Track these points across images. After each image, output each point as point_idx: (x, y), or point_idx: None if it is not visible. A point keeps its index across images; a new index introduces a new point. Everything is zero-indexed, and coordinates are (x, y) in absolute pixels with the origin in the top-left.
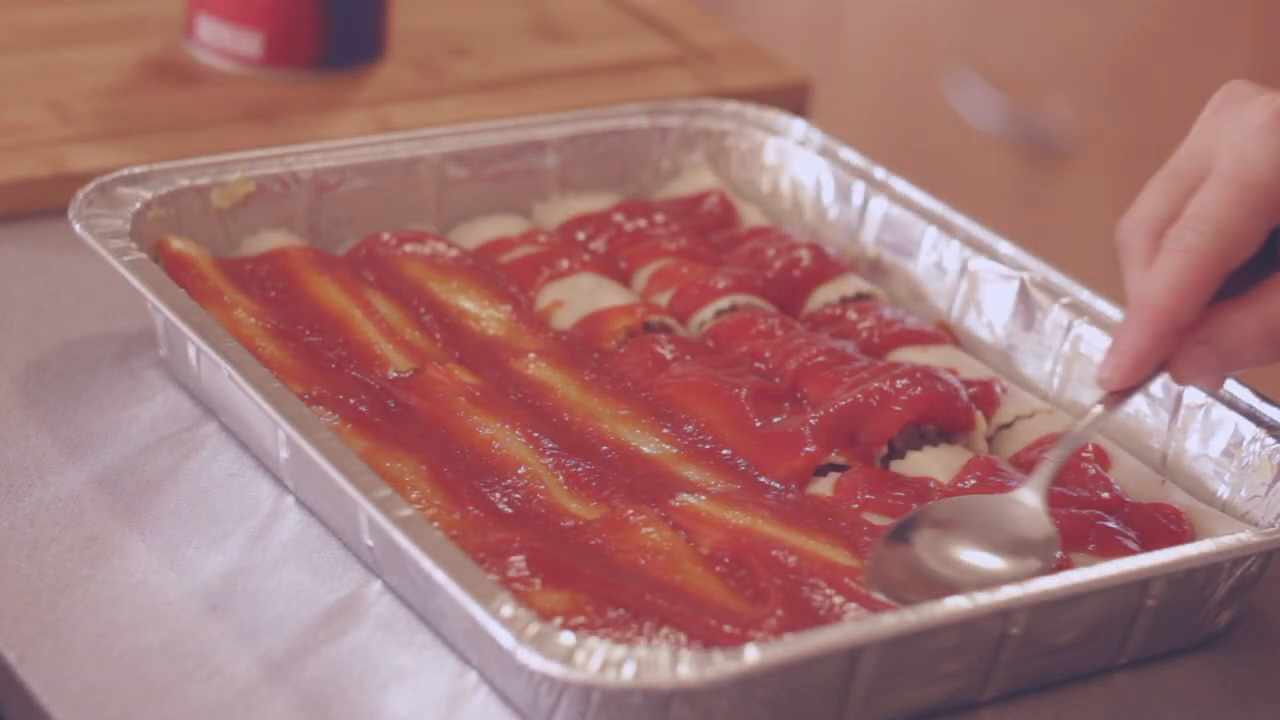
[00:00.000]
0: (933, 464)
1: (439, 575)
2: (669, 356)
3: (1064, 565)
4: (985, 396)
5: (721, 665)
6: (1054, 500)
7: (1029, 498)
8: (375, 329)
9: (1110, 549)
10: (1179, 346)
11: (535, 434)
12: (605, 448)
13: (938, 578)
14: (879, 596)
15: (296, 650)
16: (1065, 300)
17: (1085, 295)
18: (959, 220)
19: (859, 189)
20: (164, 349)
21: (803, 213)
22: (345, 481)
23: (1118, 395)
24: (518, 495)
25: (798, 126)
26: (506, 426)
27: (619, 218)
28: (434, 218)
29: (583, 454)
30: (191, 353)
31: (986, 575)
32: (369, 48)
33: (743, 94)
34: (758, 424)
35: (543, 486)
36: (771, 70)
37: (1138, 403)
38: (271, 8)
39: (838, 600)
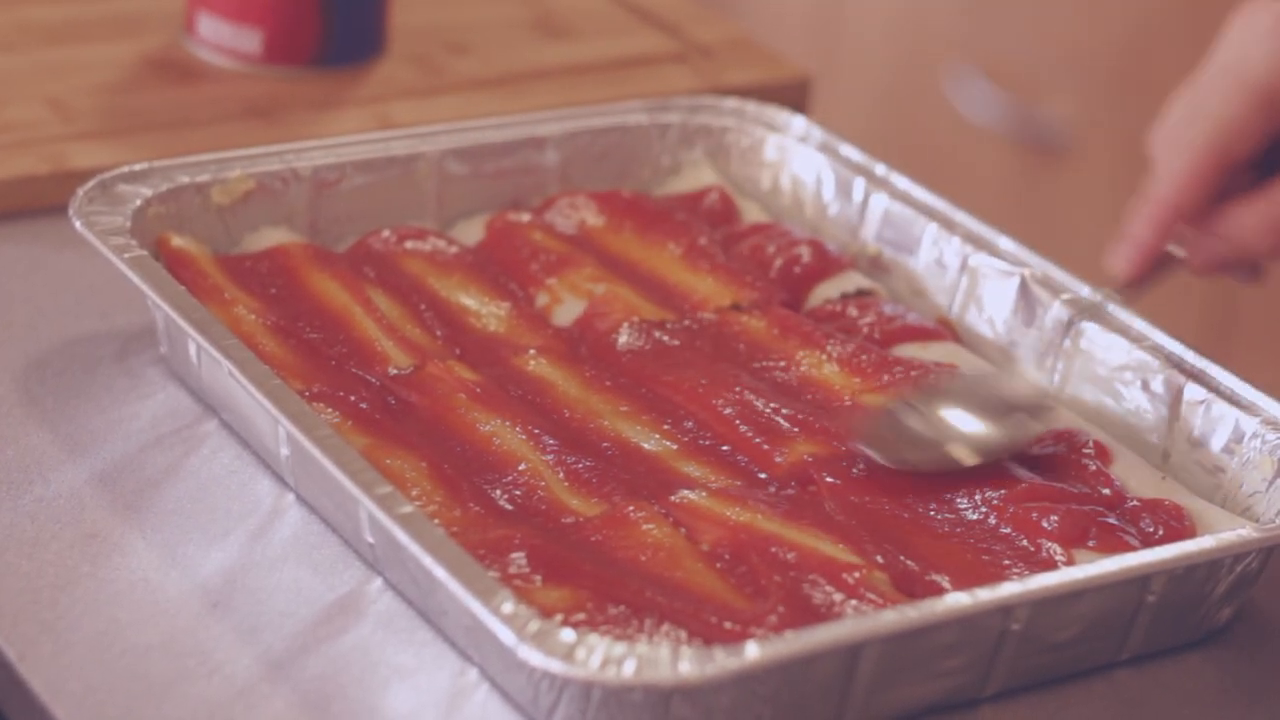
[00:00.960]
0: None
1: (439, 572)
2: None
3: (1066, 562)
4: None
5: (722, 662)
6: (1053, 496)
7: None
8: (375, 326)
9: (1111, 545)
10: (1196, 240)
11: (536, 430)
12: (606, 444)
13: (920, 436)
14: (864, 449)
15: (297, 648)
16: (1066, 296)
17: (1086, 291)
18: (959, 216)
19: (859, 185)
20: (164, 346)
21: (803, 209)
22: (346, 478)
23: (1129, 285)
24: (518, 492)
25: (798, 123)
26: (507, 423)
27: None
28: (434, 214)
29: (583, 450)
30: (192, 350)
31: (966, 435)
32: (369, 45)
33: (743, 90)
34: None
35: (543, 483)
36: (772, 66)
37: (1138, 399)
38: (272, 5)
39: (838, 597)
